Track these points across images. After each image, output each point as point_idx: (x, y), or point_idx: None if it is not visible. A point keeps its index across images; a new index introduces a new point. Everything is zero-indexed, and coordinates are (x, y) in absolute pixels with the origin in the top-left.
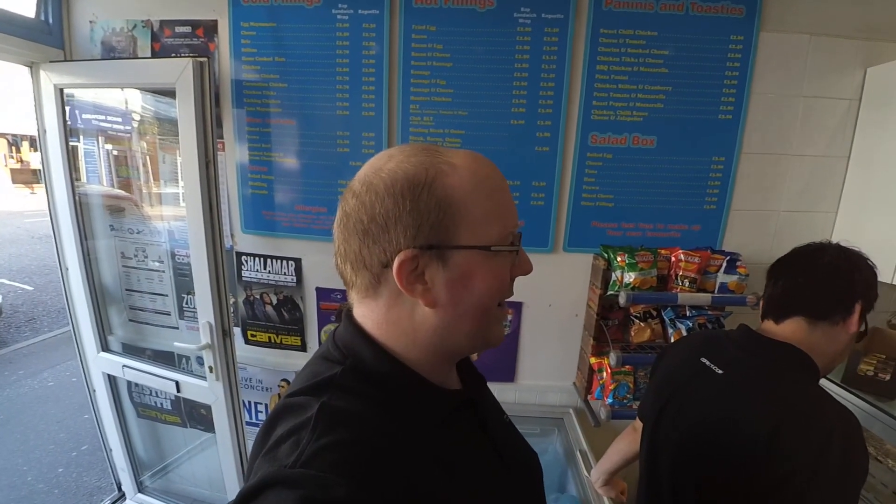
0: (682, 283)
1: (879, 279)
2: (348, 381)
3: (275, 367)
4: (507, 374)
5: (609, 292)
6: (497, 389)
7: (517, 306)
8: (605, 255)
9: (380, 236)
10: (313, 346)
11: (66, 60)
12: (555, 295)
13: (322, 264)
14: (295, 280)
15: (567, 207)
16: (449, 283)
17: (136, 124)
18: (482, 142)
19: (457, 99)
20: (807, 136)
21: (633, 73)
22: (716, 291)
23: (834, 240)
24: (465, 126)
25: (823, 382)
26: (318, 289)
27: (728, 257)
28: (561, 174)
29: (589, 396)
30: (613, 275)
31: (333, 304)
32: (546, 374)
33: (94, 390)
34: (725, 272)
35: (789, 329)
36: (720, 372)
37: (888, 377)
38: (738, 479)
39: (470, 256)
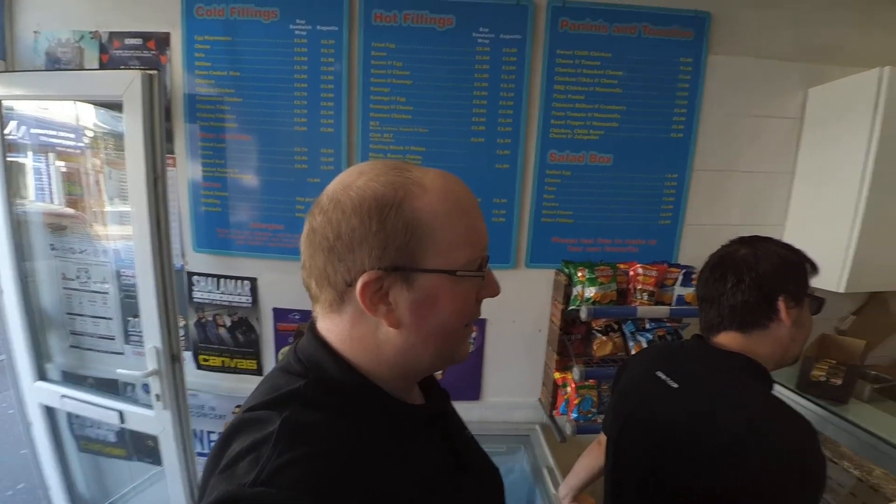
0: (641, 296)
1: (826, 288)
2: (312, 393)
3: (229, 392)
4: (472, 392)
5: (571, 307)
6: (462, 408)
7: (481, 323)
8: (566, 271)
9: (345, 255)
10: (270, 369)
11: (5, 71)
12: (518, 311)
13: (279, 283)
14: (250, 300)
15: (528, 224)
16: (413, 306)
17: (87, 140)
18: (442, 158)
19: (417, 116)
20: (754, 153)
21: (589, 92)
22: (673, 304)
23: None
24: (426, 143)
25: (780, 390)
26: (275, 309)
27: (684, 270)
28: (521, 191)
29: (554, 412)
30: (574, 290)
31: (291, 324)
32: (511, 391)
33: (31, 423)
34: (682, 285)
35: (728, 340)
36: (676, 386)
37: (840, 382)
38: (699, 493)
39: (436, 280)
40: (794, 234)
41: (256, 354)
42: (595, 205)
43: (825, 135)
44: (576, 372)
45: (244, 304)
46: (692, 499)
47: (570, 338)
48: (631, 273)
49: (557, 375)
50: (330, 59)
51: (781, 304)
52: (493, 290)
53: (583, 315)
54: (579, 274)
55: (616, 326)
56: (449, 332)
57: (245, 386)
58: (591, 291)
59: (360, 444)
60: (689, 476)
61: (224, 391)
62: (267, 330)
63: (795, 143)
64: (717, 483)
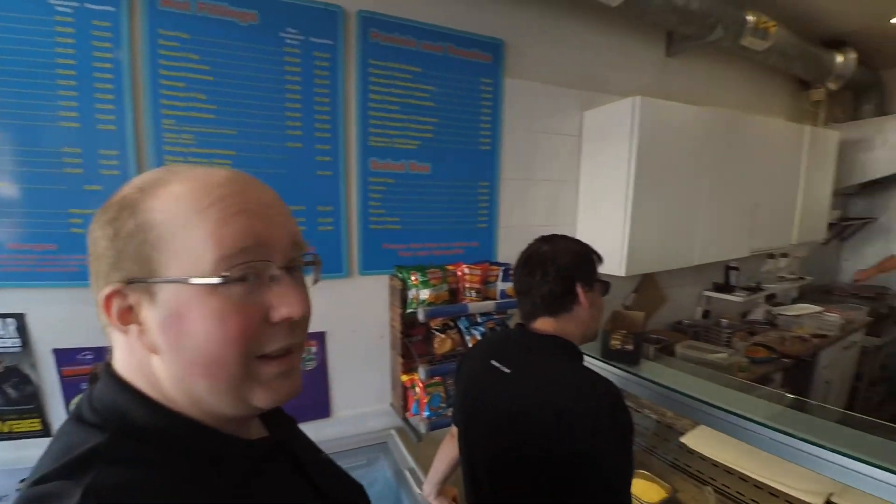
0: (470, 293)
1: (613, 273)
2: (118, 448)
3: (7, 465)
4: (321, 409)
5: (408, 310)
6: (313, 428)
7: (319, 336)
8: (400, 276)
9: (95, 270)
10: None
11: None
12: (358, 320)
13: (58, 317)
14: (19, 343)
15: (357, 231)
16: (161, 325)
17: None
18: (257, 164)
19: (223, 116)
20: (547, 163)
21: (404, 104)
22: (498, 298)
23: None
24: (236, 146)
25: (590, 361)
26: (56, 351)
27: (503, 267)
28: (347, 198)
29: (407, 414)
30: (410, 293)
31: (83, 367)
32: (363, 401)
33: None
34: (503, 280)
35: (544, 324)
36: (508, 371)
37: (631, 347)
38: (544, 461)
39: (177, 292)
40: (583, 231)
41: (38, 411)
42: (420, 211)
43: (598, 150)
44: (421, 372)
45: (11, 349)
46: (539, 467)
47: (411, 340)
48: (459, 273)
49: (405, 378)
50: (106, 43)
51: (579, 291)
52: (287, 309)
53: (420, 317)
54: (412, 278)
55: (452, 324)
56: (214, 361)
57: (29, 454)
58: (425, 294)
59: (191, 500)
60: (533, 448)
61: (1, 464)
62: (48, 378)
63: (577, 156)
64: (557, 449)
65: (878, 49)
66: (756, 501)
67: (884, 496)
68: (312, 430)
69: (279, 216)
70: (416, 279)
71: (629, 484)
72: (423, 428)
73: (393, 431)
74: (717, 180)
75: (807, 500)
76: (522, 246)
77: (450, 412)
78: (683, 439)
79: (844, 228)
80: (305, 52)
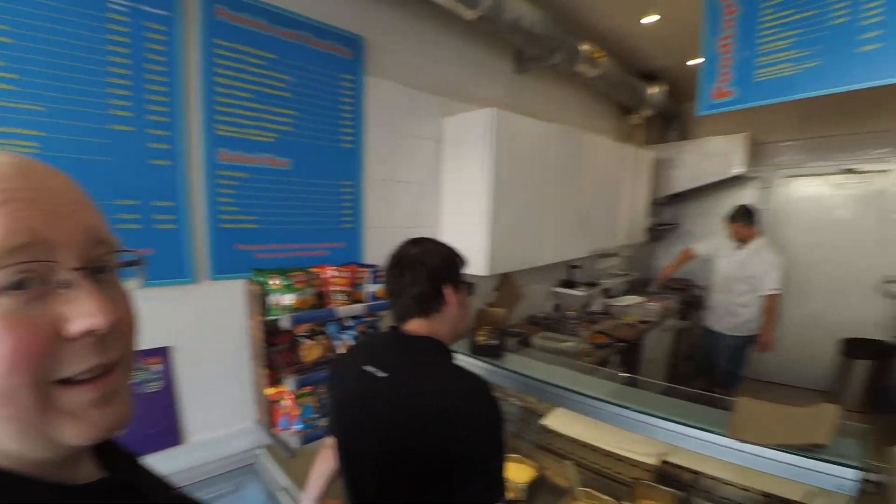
0: (339, 297)
1: (476, 273)
2: None
3: None
4: (170, 437)
5: (270, 317)
6: (163, 460)
7: (163, 352)
8: (258, 280)
9: None
10: None
11: None
12: (210, 331)
13: None
14: None
15: (205, 230)
16: None
17: None
18: (72, 148)
19: (27, 88)
20: (410, 166)
21: (258, 92)
22: (368, 300)
23: None
24: (44, 126)
25: (460, 357)
26: None
27: (372, 269)
28: (191, 193)
29: (275, 429)
30: (271, 299)
31: None
32: (222, 422)
33: None
34: (371, 282)
35: (416, 326)
36: (383, 375)
37: (496, 342)
38: (427, 461)
39: None
40: (447, 233)
41: None
42: (279, 209)
43: (459, 154)
44: (289, 383)
45: None
46: (423, 469)
47: (275, 349)
48: (325, 276)
49: (270, 391)
50: None
51: (448, 291)
52: (85, 320)
53: (285, 324)
54: (273, 282)
55: (320, 329)
56: None
57: None
58: (288, 299)
59: None
60: (416, 451)
61: None
62: None
63: (439, 160)
64: (439, 448)
65: (681, 85)
66: (608, 468)
67: (703, 451)
68: (162, 462)
69: (68, 205)
70: (278, 283)
71: (504, 469)
72: (294, 443)
73: (261, 450)
74: (561, 189)
75: (646, 461)
76: (389, 247)
77: (323, 423)
78: (544, 421)
79: (658, 232)
80: (135, 21)
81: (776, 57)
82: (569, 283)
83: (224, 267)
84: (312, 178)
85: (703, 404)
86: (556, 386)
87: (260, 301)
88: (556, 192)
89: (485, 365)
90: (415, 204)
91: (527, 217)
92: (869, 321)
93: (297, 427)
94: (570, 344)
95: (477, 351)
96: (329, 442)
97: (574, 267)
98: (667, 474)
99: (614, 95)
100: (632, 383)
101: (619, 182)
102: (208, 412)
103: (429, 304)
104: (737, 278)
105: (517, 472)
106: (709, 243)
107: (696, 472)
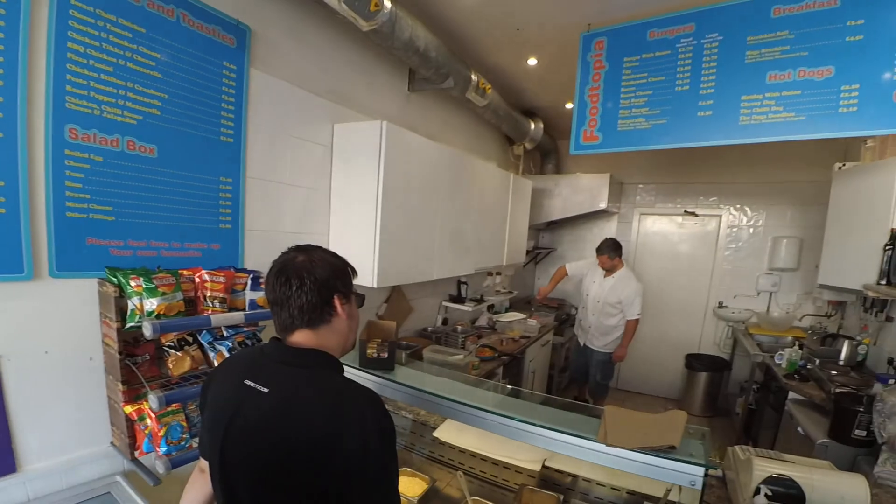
0: (213, 303)
1: (364, 284)
2: None
3: None
4: (1, 463)
5: (129, 324)
6: None
7: None
8: (115, 280)
9: None
10: None
11: None
12: (51, 337)
13: None
14: None
15: (47, 219)
16: None
17: None
18: None
19: None
20: (298, 169)
21: (119, 66)
22: (247, 309)
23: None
24: None
25: (349, 370)
26: None
27: (251, 275)
28: (29, 173)
29: (137, 453)
30: (130, 303)
31: None
32: (67, 445)
33: None
34: (251, 289)
35: (302, 338)
36: (266, 391)
37: (386, 354)
38: (313, 485)
39: None
40: (336, 242)
41: None
42: (143, 201)
43: (349, 163)
44: (153, 399)
45: None
46: (312, 491)
47: (135, 361)
48: (197, 280)
49: (129, 409)
50: None
51: (337, 302)
52: None
53: (147, 332)
54: (133, 283)
55: (191, 339)
56: None
57: None
58: (152, 303)
59: None
60: (303, 470)
61: None
62: None
63: (329, 166)
64: (328, 466)
65: (558, 124)
66: (495, 475)
67: (579, 456)
68: None
69: None
70: (139, 285)
71: (397, 482)
72: (160, 467)
73: (118, 478)
74: (450, 208)
75: (529, 467)
76: (271, 253)
77: (195, 443)
78: (436, 433)
79: (537, 255)
80: None
81: (634, 111)
82: (457, 299)
83: (71, 263)
84: (183, 169)
85: (577, 413)
86: (446, 398)
87: (115, 304)
88: (446, 211)
89: (374, 377)
90: (301, 209)
91: (416, 232)
92: (706, 339)
93: (163, 450)
94: (458, 357)
95: (367, 363)
96: (202, 465)
97: (462, 283)
98: (548, 478)
99: (499, 125)
100: (515, 395)
101: (503, 206)
102: (48, 434)
103: (317, 315)
104: (608, 302)
105: (409, 486)
106: (580, 266)
107: (573, 475)
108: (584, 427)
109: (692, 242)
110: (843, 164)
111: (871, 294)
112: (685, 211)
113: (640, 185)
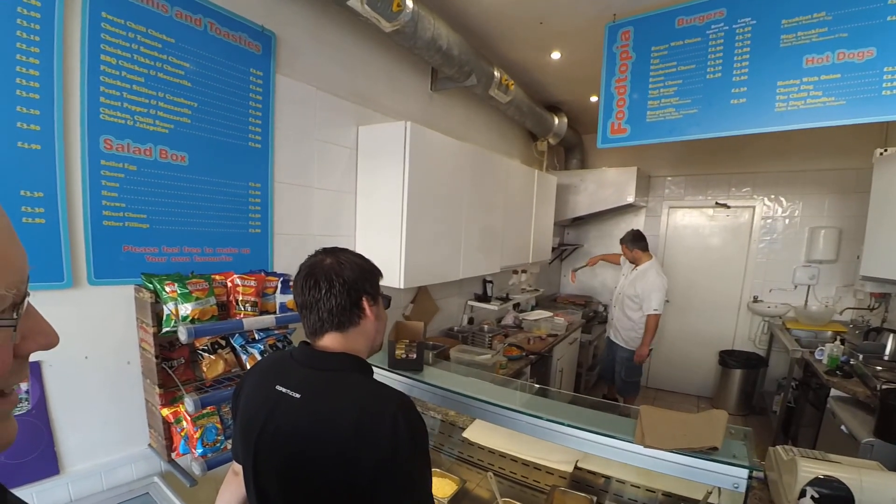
0: (245, 307)
1: (391, 285)
2: None
3: None
4: (45, 466)
5: (165, 329)
6: (38, 492)
7: (33, 369)
8: (150, 286)
9: None
10: None
11: None
12: (91, 343)
13: None
14: None
15: (85, 228)
16: None
17: None
18: None
19: None
20: (325, 172)
21: (151, 76)
22: (277, 312)
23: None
24: None
25: (378, 371)
26: None
27: (281, 278)
28: (66, 184)
29: (174, 454)
30: (166, 308)
31: None
32: (107, 447)
33: None
34: (282, 292)
35: (331, 341)
36: (297, 396)
37: (414, 355)
38: (345, 488)
39: None
40: (363, 244)
41: None
42: (175, 208)
43: (374, 165)
44: (188, 402)
45: None
46: (343, 495)
47: (171, 365)
48: (229, 284)
49: (166, 412)
50: None
51: (365, 304)
52: (45, 340)
53: (182, 337)
54: (168, 289)
55: (224, 342)
56: None
57: None
58: (187, 308)
59: None
60: (336, 474)
61: None
62: None
63: (354, 168)
64: (359, 468)
65: (581, 118)
66: (525, 476)
67: (612, 457)
68: (37, 494)
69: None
70: (174, 291)
71: (430, 484)
72: (196, 469)
73: (156, 479)
74: (475, 206)
75: (561, 468)
76: (300, 256)
77: (229, 444)
78: (465, 434)
79: (563, 251)
80: None
81: (663, 102)
82: (483, 297)
83: (108, 270)
84: (214, 176)
85: (609, 412)
86: (475, 399)
87: (151, 310)
88: (471, 209)
89: (404, 379)
90: (328, 212)
91: (442, 231)
92: (741, 335)
93: (199, 452)
94: (486, 356)
95: (395, 364)
96: (237, 468)
97: (488, 282)
98: (580, 479)
99: (523, 122)
100: (543, 394)
101: (528, 203)
102: (90, 437)
103: (346, 317)
104: (626, 294)
105: (439, 487)
106: (623, 260)
107: (606, 477)
108: (618, 427)
109: (724, 235)
110: (885, 150)
111: None
112: (716, 203)
113: (669, 178)
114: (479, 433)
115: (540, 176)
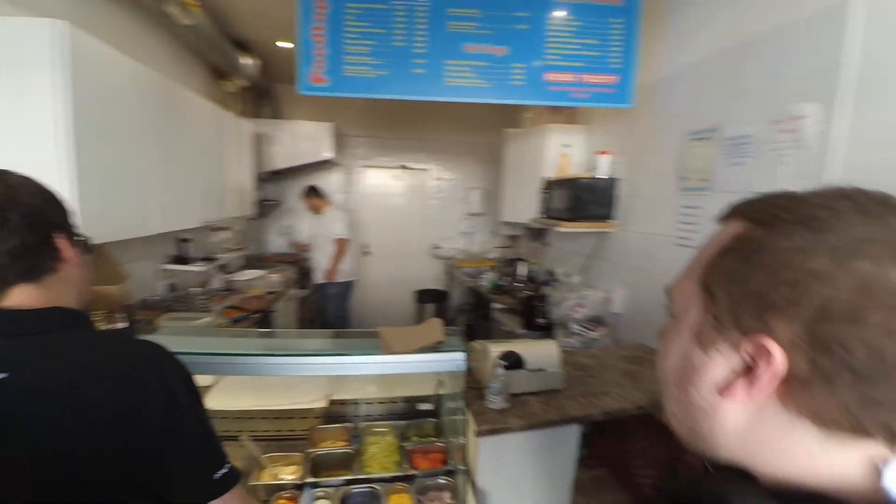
0: None
1: None
2: None
3: None
4: None
5: None
6: None
7: None
8: None
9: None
10: None
11: None
12: None
13: None
14: None
15: None
16: None
17: None
18: None
19: None
20: None
21: None
22: None
23: None
24: None
25: None
26: None
27: None
28: None
29: None
30: None
31: None
32: None
33: None
34: None
35: (25, 296)
36: (4, 376)
37: (126, 324)
38: (120, 472)
39: None
40: None
41: None
42: None
43: (9, 76)
44: None
45: None
46: (116, 481)
47: None
48: None
49: None
50: None
51: (60, 243)
52: None
53: None
54: None
55: None
56: None
57: None
58: None
59: None
60: (97, 466)
61: None
62: None
63: None
64: (126, 450)
65: (274, 63)
66: (280, 429)
67: (367, 372)
68: None
69: None
70: None
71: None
72: None
73: None
74: (162, 148)
75: (316, 406)
76: None
77: None
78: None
79: (265, 207)
80: None
81: (358, 59)
82: (181, 259)
83: None
84: None
85: (349, 338)
86: (225, 354)
87: None
88: (157, 151)
89: None
90: None
91: (123, 177)
92: (428, 276)
93: None
94: (206, 320)
95: None
96: None
97: (184, 241)
98: (334, 413)
99: (206, 54)
100: (283, 336)
101: (221, 149)
102: None
103: (38, 260)
104: (321, 236)
105: None
106: (303, 222)
107: (355, 402)
108: (363, 347)
109: (408, 194)
110: (511, 129)
111: (534, 225)
112: (402, 166)
113: (361, 138)
114: (220, 401)
115: (233, 120)
